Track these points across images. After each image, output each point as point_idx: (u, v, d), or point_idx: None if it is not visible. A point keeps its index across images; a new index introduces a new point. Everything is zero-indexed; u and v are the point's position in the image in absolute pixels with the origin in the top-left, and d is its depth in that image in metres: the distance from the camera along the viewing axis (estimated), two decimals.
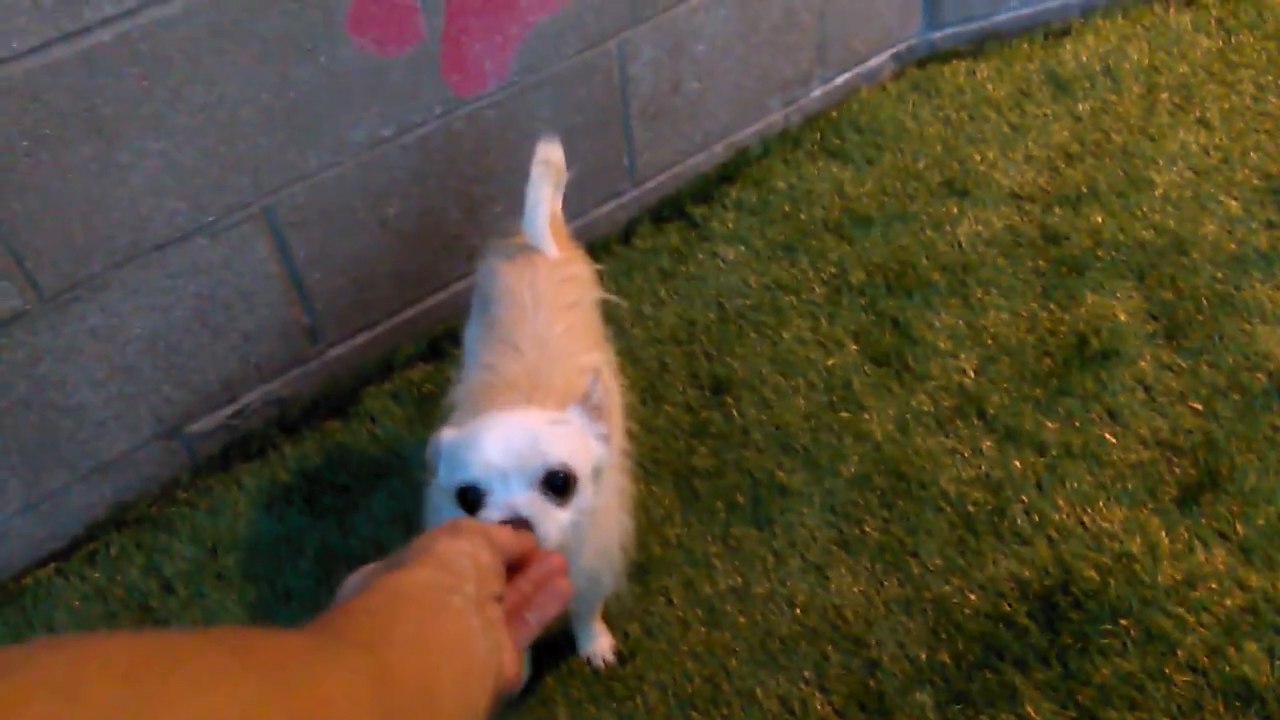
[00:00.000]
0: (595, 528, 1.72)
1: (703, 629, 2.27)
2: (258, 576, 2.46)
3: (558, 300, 2.10)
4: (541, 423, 1.58)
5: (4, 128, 2.05)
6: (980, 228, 3.09)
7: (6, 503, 2.46)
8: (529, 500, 1.49)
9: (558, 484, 1.51)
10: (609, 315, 2.88)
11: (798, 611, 2.27)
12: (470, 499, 1.51)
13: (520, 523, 1.44)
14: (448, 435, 1.62)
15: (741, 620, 2.27)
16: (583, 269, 2.27)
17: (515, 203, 2.28)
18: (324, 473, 2.66)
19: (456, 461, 1.55)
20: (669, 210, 3.25)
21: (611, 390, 2.03)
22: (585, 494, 1.57)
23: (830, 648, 2.20)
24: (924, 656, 2.16)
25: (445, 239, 2.85)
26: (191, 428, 2.66)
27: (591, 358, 2.02)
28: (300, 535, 2.52)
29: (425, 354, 2.93)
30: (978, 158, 3.32)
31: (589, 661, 2.23)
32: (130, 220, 2.30)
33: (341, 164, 2.55)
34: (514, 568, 0.99)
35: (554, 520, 1.50)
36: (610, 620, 2.28)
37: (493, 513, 1.48)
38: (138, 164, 2.24)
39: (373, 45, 2.45)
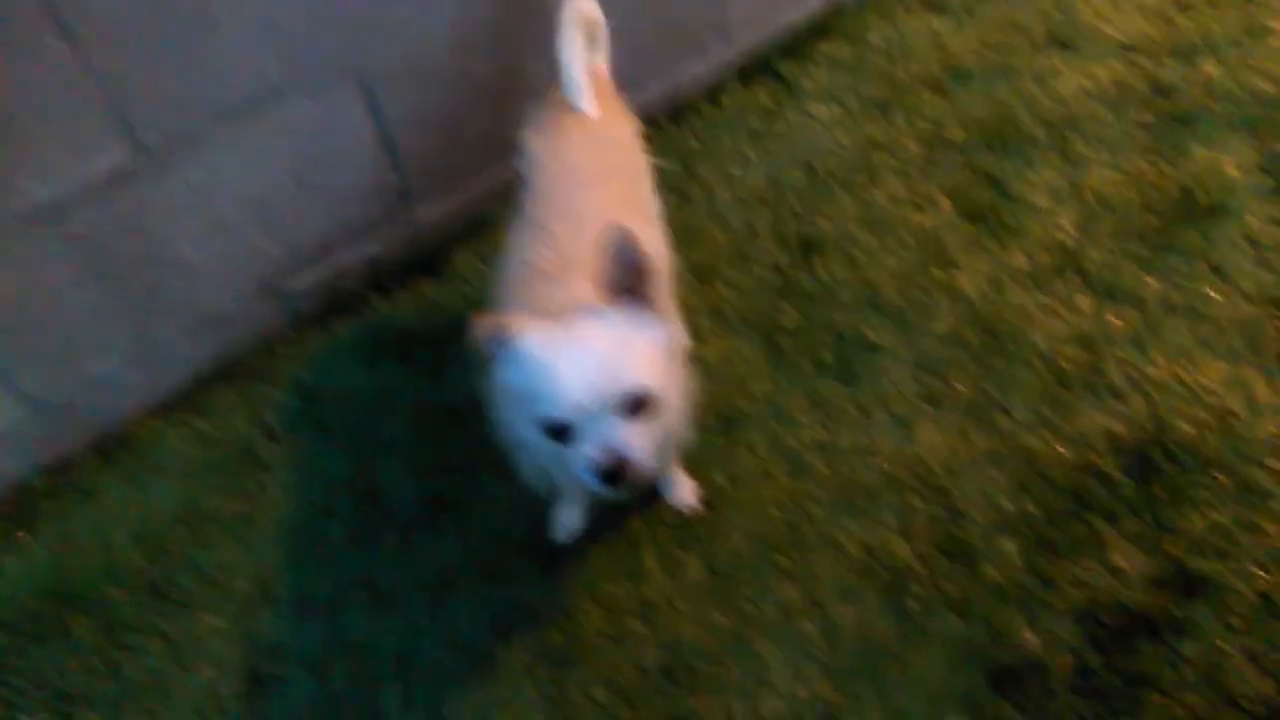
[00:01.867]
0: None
1: (786, 479, 2.29)
2: (356, 426, 2.55)
3: (590, 169, 2.03)
4: (612, 339, 1.59)
5: None
6: (1085, 81, 2.94)
7: (118, 355, 2.58)
8: (620, 433, 1.55)
9: (641, 404, 1.57)
10: (674, 183, 2.87)
11: (882, 463, 2.28)
12: (559, 433, 1.57)
13: (619, 461, 1.54)
14: (529, 341, 1.58)
15: (825, 471, 2.29)
16: (624, 131, 2.18)
17: None
18: (417, 328, 2.73)
19: (536, 392, 1.57)
20: (758, 68, 3.18)
21: (658, 253, 1.98)
22: (669, 400, 1.62)
23: (914, 497, 2.21)
24: (1010, 507, 2.15)
25: (531, 97, 2.82)
26: (290, 284, 2.75)
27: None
28: (396, 387, 2.60)
29: None
30: (1085, 8, 3.15)
31: (675, 507, 2.27)
32: (228, 77, 2.34)
33: (430, 20, 2.54)
34: None
35: (645, 444, 1.57)
36: (695, 469, 2.31)
37: (590, 451, 1.55)
38: (234, 20, 2.26)
39: None
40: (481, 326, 1.59)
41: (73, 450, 2.63)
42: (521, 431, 1.75)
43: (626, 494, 1.61)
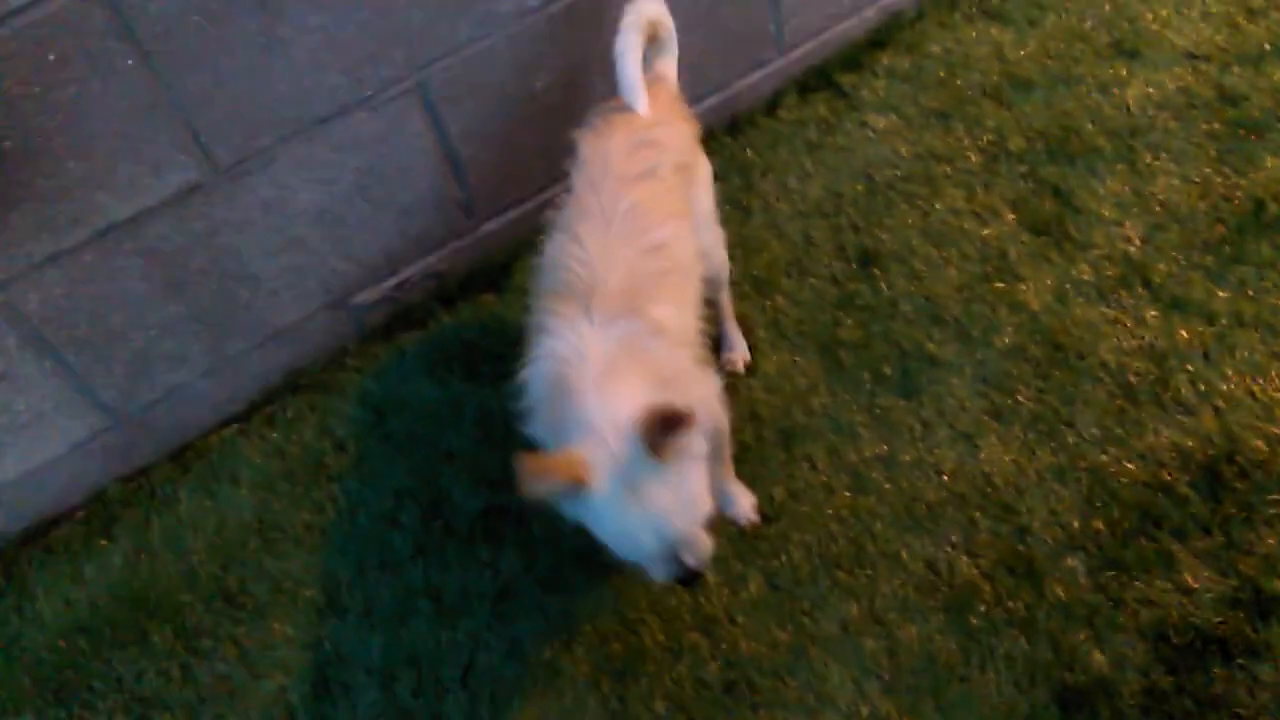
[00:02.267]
0: (676, 387, 1.77)
1: (847, 494, 2.29)
2: (421, 437, 2.60)
3: (628, 170, 2.00)
4: (671, 493, 1.63)
5: (177, 2, 2.14)
6: (1151, 90, 2.90)
7: (192, 367, 2.66)
8: (687, 558, 1.71)
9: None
10: (732, 195, 2.87)
11: (945, 478, 2.27)
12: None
13: (691, 574, 1.74)
14: (597, 494, 1.62)
15: (887, 486, 2.28)
16: (677, 131, 2.16)
17: None
18: (481, 342, 2.77)
19: (612, 538, 1.71)
20: (817, 79, 3.17)
21: (687, 256, 2.02)
22: (700, 456, 1.72)
23: (978, 514, 2.19)
24: (1076, 524, 2.13)
25: (595, 111, 2.86)
26: (357, 298, 2.80)
27: (660, 233, 1.93)
28: (460, 400, 2.64)
29: None
30: (1150, 16, 3.10)
31: (733, 521, 2.28)
32: (294, 94, 2.39)
33: (490, 36, 2.57)
34: None
35: (708, 543, 1.75)
36: (754, 483, 2.32)
37: (663, 573, 1.74)
38: (299, 38, 2.32)
39: None
40: (533, 472, 1.60)
41: (150, 460, 2.71)
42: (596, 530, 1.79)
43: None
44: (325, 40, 2.36)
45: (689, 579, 1.75)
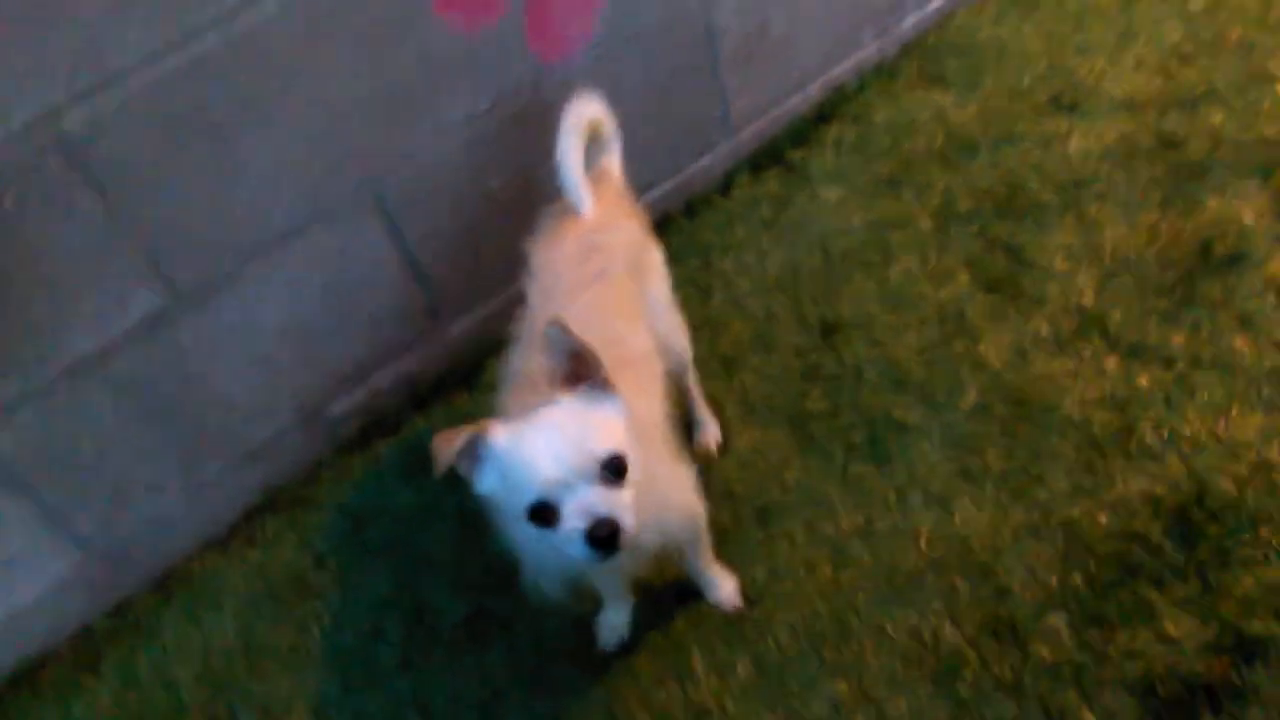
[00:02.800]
0: (647, 478, 1.72)
1: (829, 568, 2.29)
2: (400, 544, 2.60)
3: (581, 274, 2.05)
4: (573, 418, 1.63)
5: (129, 136, 2.19)
6: (1091, 141, 2.98)
7: (168, 494, 2.66)
8: (602, 497, 1.58)
9: (614, 469, 1.60)
10: (692, 276, 2.91)
11: (923, 545, 2.27)
12: (543, 514, 1.59)
13: (604, 524, 1.55)
14: (497, 441, 1.62)
15: (866, 558, 2.29)
16: (615, 234, 2.19)
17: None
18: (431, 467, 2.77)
19: (514, 484, 1.61)
20: (766, 157, 3.25)
21: (643, 351, 2.02)
22: (635, 466, 1.63)
23: (958, 578, 2.19)
24: (1055, 581, 2.13)
25: (544, 206, 2.91)
26: (330, 410, 2.82)
27: (616, 327, 1.97)
28: (436, 502, 2.65)
29: None
30: (1085, 69, 3.19)
31: (718, 606, 2.28)
32: (252, 215, 2.44)
33: (443, 143, 2.64)
34: None
35: (627, 506, 1.59)
36: (735, 565, 2.32)
37: (575, 521, 1.57)
38: (253, 161, 2.37)
39: (461, 21, 2.51)
40: (441, 444, 1.61)
41: (133, 591, 2.70)
42: (520, 538, 1.79)
43: (616, 559, 1.61)
44: (278, 161, 2.41)
45: (601, 536, 1.56)
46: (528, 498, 1.58)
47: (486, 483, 1.67)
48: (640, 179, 3.02)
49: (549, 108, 2.73)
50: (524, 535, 1.73)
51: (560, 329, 1.62)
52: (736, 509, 2.44)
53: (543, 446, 1.59)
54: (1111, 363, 2.45)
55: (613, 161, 2.41)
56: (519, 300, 2.93)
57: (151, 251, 2.36)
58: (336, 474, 2.81)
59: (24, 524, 2.47)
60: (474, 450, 1.64)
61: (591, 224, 2.17)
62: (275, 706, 2.37)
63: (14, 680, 2.59)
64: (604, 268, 2.07)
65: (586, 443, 1.59)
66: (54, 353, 2.34)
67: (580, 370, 1.66)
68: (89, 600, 2.66)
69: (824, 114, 3.30)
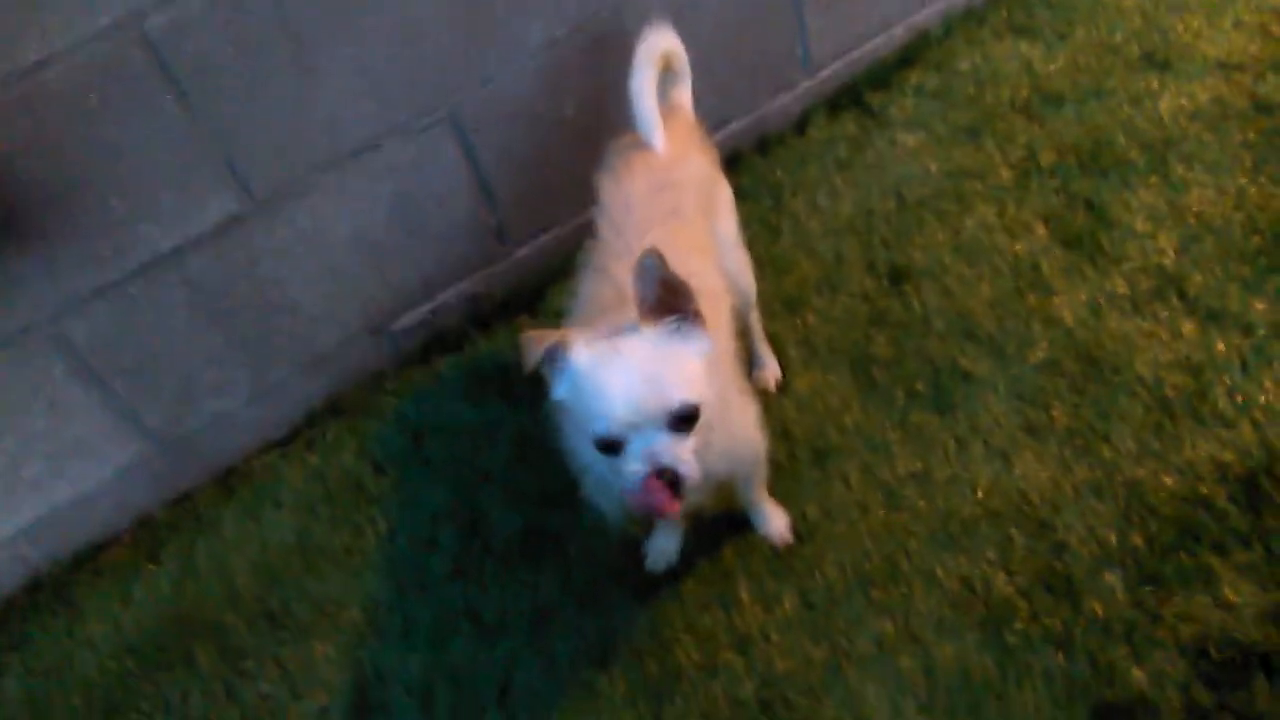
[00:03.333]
0: (720, 409, 1.74)
1: (882, 511, 2.29)
2: (459, 459, 2.63)
3: (653, 210, 2.04)
4: (655, 355, 1.62)
5: (212, 39, 2.21)
6: (1183, 101, 2.89)
7: (235, 394, 2.72)
8: (666, 447, 1.59)
9: (685, 418, 1.60)
10: (762, 215, 2.88)
11: (980, 495, 2.26)
12: (609, 447, 1.61)
13: (665, 471, 1.57)
14: (578, 357, 1.63)
15: (921, 503, 2.28)
16: (696, 165, 2.18)
17: None
18: (516, 363, 2.78)
19: (587, 410, 1.62)
20: (845, 99, 3.19)
21: (714, 288, 1.98)
22: (709, 411, 1.63)
23: (1014, 530, 2.18)
24: (1114, 539, 2.11)
25: (623, 133, 2.89)
26: (395, 323, 2.85)
27: (688, 264, 1.89)
28: (497, 422, 2.68)
29: None
30: (1181, 27, 3.09)
31: (767, 539, 2.29)
32: (329, 124, 2.45)
33: (520, 63, 2.62)
34: None
35: (690, 456, 1.60)
36: (787, 502, 2.33)
37: (635, 465, 1.58)
38: (332, 69, 2.38)
39: None
40: (531, 343, 1.64)
41: (195, 484, 2.77)
42: (583, 454, 1.81)
43: (665, 508, 1.62)
44: (357, 71, 2.41)
45: (666, 475, 1.58)
46: (597, 429, 1.60)
47: (562, 390, 1.68)
48: (715, 114, 3.01)
49: (628, 36, 2.70)
50: (589, 455, 1.75)
51: (656, 258, 1.61)
52: (793, 448, 2.44)
53: (619, 383, 1.59)
54: (1188, 326, 2.40)
55: (684, 95, 2.39)
56: (587, 228, 2.93)
57: (229, 155, 2.39)
58: (398, 386, 2.84)
59: (92, 413, 2.54)
60: (555, 358, 1.66)
61: (664, 160, 2.14)
62: (328, 605, 2.43)
63: (77, 561, 2.68)
64: (676, 205, 2.05)
65: (662, 388, 1.59)
66: (131, 249, 2.38)
67: (669, 302, 1.64)
68: (152, 490, 2.73)
69: (907, 58, 3.23)
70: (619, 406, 1.58)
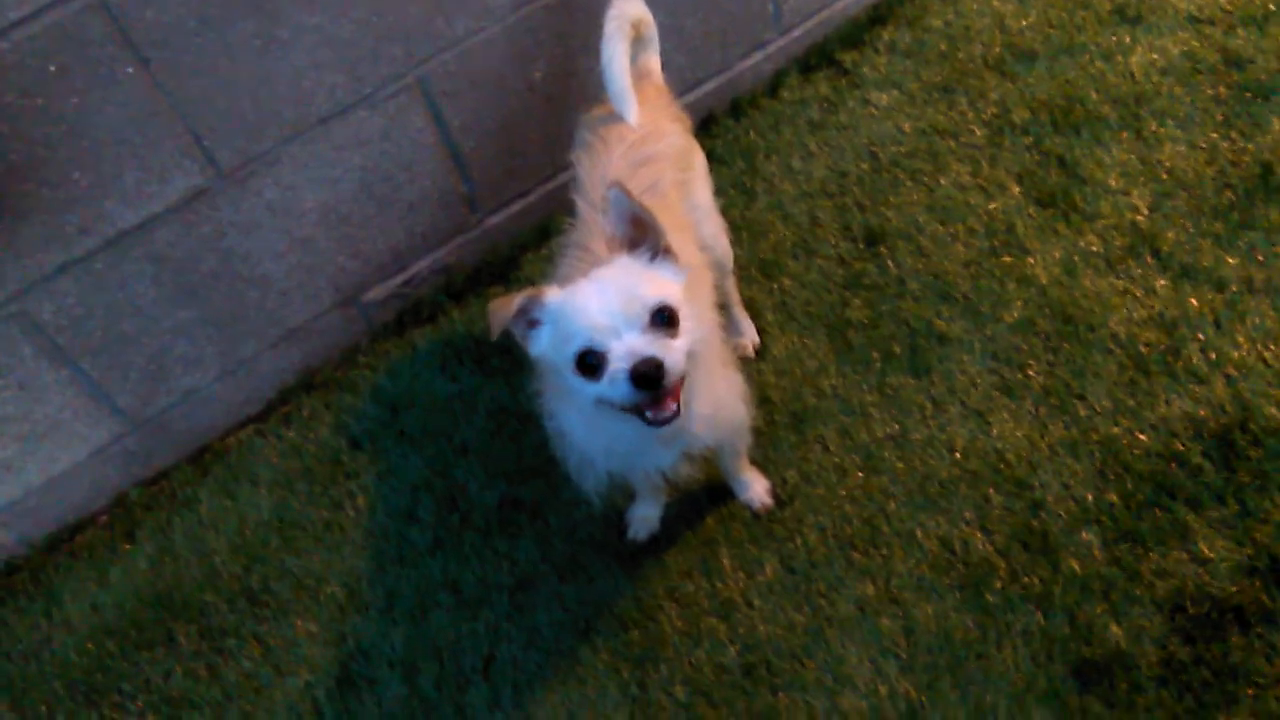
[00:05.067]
0: (705, 376, 1.76)
1: (860, 474, 2.30)
2: (435, 432, 2.62)
3: (630, 187, 2.02)
4: (627, 272, 1.64)
5: (173, 9, 2.15)
6: (1155, 56, 2.88)
7: (206, 370, 2.68)
8: (646, 340, 1.57)
9: (664, 319, 1.60)
10: (736, 179, 2.86)
11: (957, 456, 2.27)
12: (590, 362, 1.59)
13: (648, 361, 1.54)
14: (552, 298, 1.64)
15: (899, 465, 2.29)
16: (662, 143, 2.14)
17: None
18: (488, 332, 2.77)
19: (564, 336, 1.61)
20: (817, 58, 3.16)
21: (694, 263, 1.95)
22: (689, 321, 1.63)
23: (991, 490, 2.20)
24: (1090, 497, 2.13)
25: (592, 100, 2.85)
26: (367, 295, 2.82)
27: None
28: (473, 393, 2.66)
29: None
30: None
31: (748, 506, 2.29)
32: (295, 95, 2.40)
33: (487, 28, 2.57)
34: None
35: (674, 350, 1.58)
36: (767, 467, 2.33)
37: (619, 364, 1.56)
38: (297, 39, 2.32)
39: None
40: (497, 307, 1.63)
41: (169, 462, 2.74)
42: (565, 418, 1.82)
43: (661, 408, 1.59)
44: (323, 40, 2.36)
45: (646, 376, 1.53)
46: (576, 345, 1.59)
47: (539, 345, 1.68)
48: (686, 76, 2.97)
49: None
50: (574, 413, 1.75)
51: (621, 191, 1.61)
52: (771, 413, 2.44)
53: (594, 296, 1.60)
54: (1162, 283, 2.41)
55: (653, 61, 2.35)
56: (557, 196, 2.92)
57: (194, 127, 2.33)
58: (372, 360, 2.82)
59: (63, 393, 2.50)
60: (528, 312, 1.65)
61: (638, 134, 2.11)
62: (308, 580, 2.42)
63: (51, 544, 2.65)
64: (654, 181, 2.04)
65: (636, 291, 1.59)
66: (95, 224, 2.33)
67: (639, 236, 1.66)
68: (126, 470, 2.70)
69: (879, 16, 3.20)
70: (594, 315, 1.58)
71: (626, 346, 1.56)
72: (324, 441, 2.68)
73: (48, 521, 2.66)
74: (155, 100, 2.25)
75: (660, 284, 1.63)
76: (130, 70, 2.18)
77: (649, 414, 1.58)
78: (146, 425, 2.66)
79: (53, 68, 2.11)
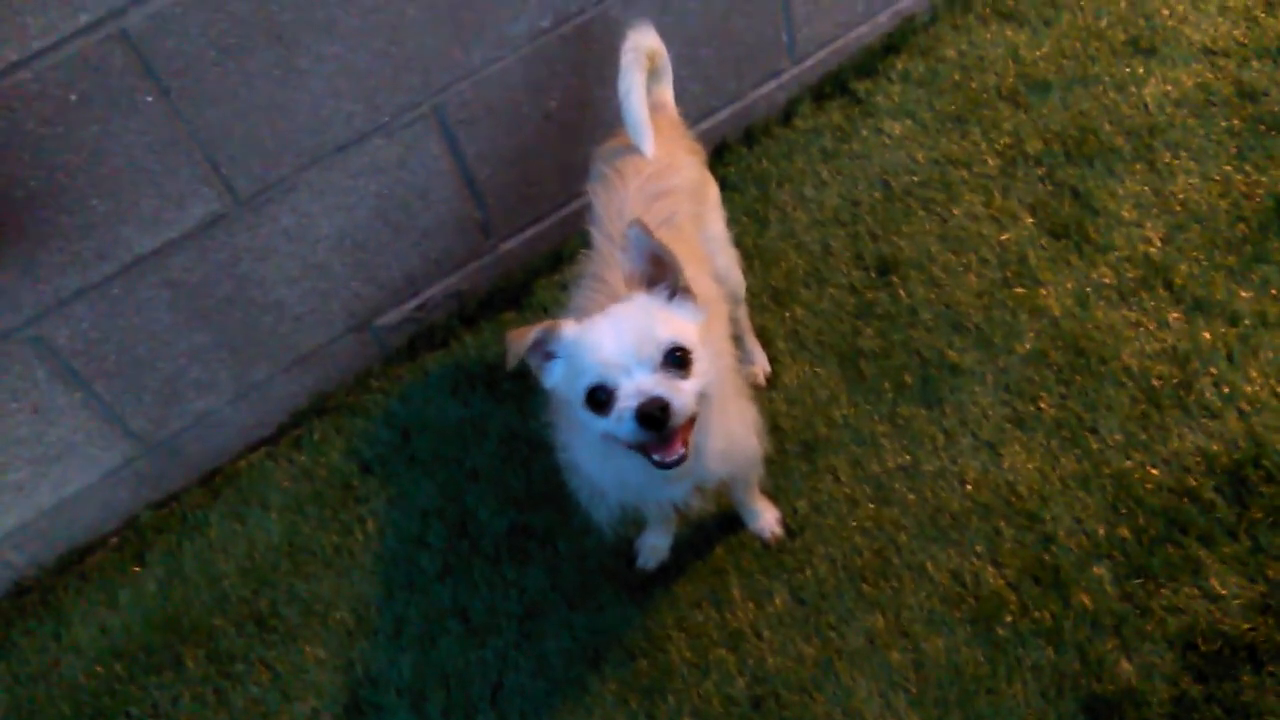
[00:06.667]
0: (719, 412, 1.76)
1: (871, 505, 2.29)
2: (446, 457, 2.62)
3: (647, 220, 2.03)
4: (643, 311, 1.64)
5: (193, 39, 2.17)
6: (1168, 87, 2.88)
7: (219, 394, 2.69)
8: (655, 380, 1.57)
9: (677, 360, 1.60)
10: (749, 206, 2.87)
11: (969, 488, 2.26)
12: (600, 398, 1.59)
13: (655, 401, 1.53)
14: (568, 332, 1.65)
15: (910, 497, 2.28)
16: (678, 176, 2.14)
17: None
18: (502, 360, 2.78)
19: (576, 368, 1.62)
20: (831, 87, 3.17)
21: (710, 296, 1.96)
22: (703, 363, 1.63)
23: (1003, 523, 2.19)
24: (1102, 531, 2.12)
25: (606, 129, 2.87)
26: (380, 320, 2.83)
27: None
28: (484, 419, 2.66)
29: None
30: (1166, 12, 3.08)
31: (758, 535, 2.29)
32: (312, 123, 2.42)
33: (504, 58, 2.59)
34: None
35: (684, 392, 1.58)
36: (777, 497, 2.33)
37: (626, 402, 1.56)
38: (316, 68, 2.35)
39: None
40: (515, 337, 1.64)
41: (180, 485, 2.75)
42: (576, 449, 1.82)
43: (668, 451, 1.58)
44: (341, 69, 2.38)
45: (652, 417, 1.53)
46: (587, 380, 1.59)
47: (553, 377, 1.69)
48: (700, 104, 2.99)
49: (612, 25, 2.69)
50: (586, 447, 1.76)
51: (641, 229, 1.61)
52: (782, 442, 2.43)
53: (609, 332, 1.60)
54: (1175, 316, 2.40)
55: (666, 93, 2.37)
56: (571, 222, 2.93)
57: (211, 154, 2.35)
58: (384, 384, 2.83)
59: (76, 415, 2.52)
60: (544, 345, 1.67)
61: (654, 167, 2.12)
62: (317, 605, 2.43)
63: (62, 565, 2.67)
64: (670, 214, 2.04)
65: (651, 330, 1.59)
66: (113, 249, 2.35)
67: (658, 274, 1.67)
68: (137, 492, 2.71)
69: (892, 45, 3.21)
70: (609, 350, 1.58)
71: (635, 385, 1.56)
72: (335, 465, 2.69)
73: (58, 543, 2.67)
74: (174, 128, 2.27)
75: (676, 324, 1.64)
76: (150, 99, 2.21)
77: (655, 456, 1.58)
78: (158, 448, 2.67)
79: (74, 96, 2.13)
